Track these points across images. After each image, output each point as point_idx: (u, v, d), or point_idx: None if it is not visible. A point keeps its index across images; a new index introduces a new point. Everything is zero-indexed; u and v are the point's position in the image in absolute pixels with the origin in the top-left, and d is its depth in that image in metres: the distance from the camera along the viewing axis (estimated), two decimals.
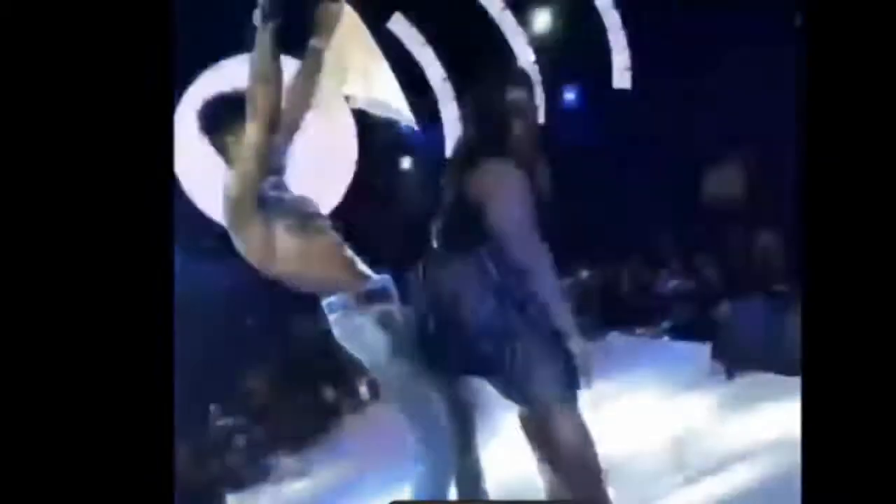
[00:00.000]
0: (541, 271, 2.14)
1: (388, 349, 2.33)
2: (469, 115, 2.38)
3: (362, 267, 2.45)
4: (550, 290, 2.15)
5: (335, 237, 2.46)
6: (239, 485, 6.23)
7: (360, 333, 2.36)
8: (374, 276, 2.44)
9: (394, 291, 2.45)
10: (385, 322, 2.35)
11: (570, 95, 7.95)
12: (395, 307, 2.41)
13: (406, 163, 9.17)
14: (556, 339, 2.15)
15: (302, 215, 2.39)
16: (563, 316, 2.16)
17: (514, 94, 2.27)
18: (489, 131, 2.26)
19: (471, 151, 2.29)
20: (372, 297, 2.38)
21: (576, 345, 2.15)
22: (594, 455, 2.21)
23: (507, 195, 2.17)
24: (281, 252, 2.33)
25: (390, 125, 6.50)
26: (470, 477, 2.50)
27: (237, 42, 2.59)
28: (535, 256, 2.15)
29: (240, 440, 6.60)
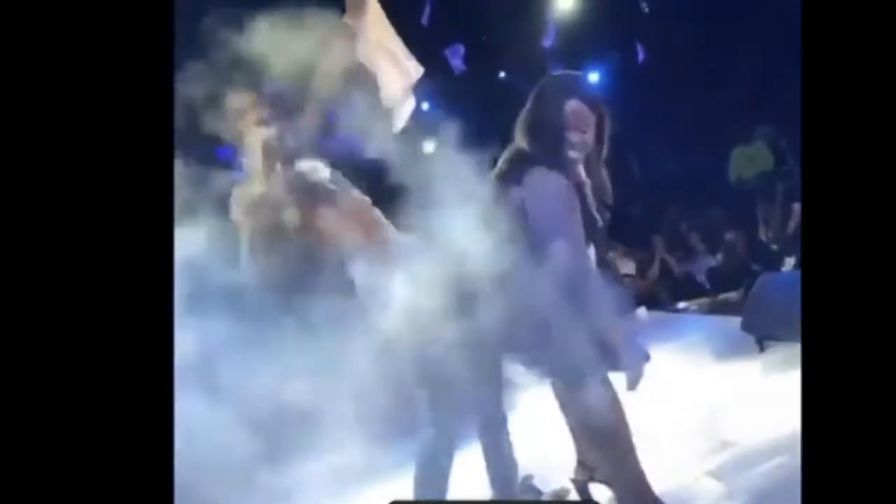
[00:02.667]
0: (589, 282, 2.15)
1: (406, 315, 2.29)
2: (528, 120, 2.29)
3: (388, 229, 2.44)
4: (602, 303, 2.14)
5: (354, 200, 2.45)
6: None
7: (380, 297, 2.34)
8: (401, 239, 2.43)
9: (420, 253, 2.40)
10: (405, 287, 2.31)
11: (595, 74, 7.86)
12: (418, 270, 2.35)
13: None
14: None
15: (310, 185, 2.38)
16: (616, 329, 2.15)
17: (574, 107, 2.23)
18: (546, 140, 2.22)
19: (523, 156, 2.24)
20: (395, 259, 2.36)
21: (627, 358, 2.15)
22: (625, 424, 2.21)
23: (563, 214, 2.15)
24: (295, 224, 2.34)
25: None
26: (497, 447, 2.51)
27: None
28: (584, 274, 2.15)
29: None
